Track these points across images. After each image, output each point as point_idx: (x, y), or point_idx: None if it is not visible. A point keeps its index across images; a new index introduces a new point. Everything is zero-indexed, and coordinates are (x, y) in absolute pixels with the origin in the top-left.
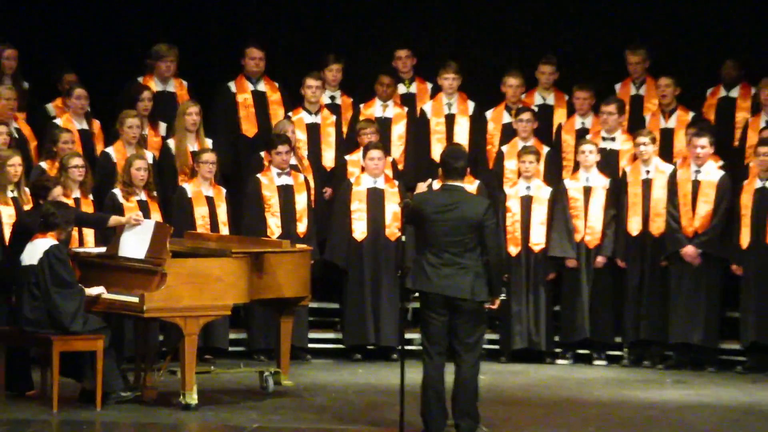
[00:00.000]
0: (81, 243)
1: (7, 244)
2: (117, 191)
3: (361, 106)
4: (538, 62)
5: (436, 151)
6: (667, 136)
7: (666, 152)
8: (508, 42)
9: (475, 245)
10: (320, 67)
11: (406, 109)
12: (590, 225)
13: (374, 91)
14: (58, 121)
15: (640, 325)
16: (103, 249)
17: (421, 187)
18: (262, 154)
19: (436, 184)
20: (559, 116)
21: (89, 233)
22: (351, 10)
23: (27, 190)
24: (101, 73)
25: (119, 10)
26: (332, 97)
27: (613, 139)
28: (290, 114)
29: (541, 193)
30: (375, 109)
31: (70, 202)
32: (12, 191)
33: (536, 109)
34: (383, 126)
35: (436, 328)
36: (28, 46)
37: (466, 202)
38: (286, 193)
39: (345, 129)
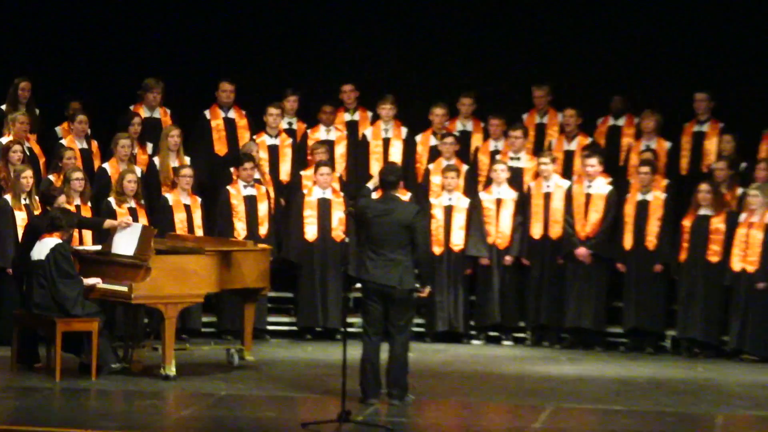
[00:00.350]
0: (81, 242)
1: (20, 241)
2: (111, 199)
3: (309, 130)
4: (459, 96)
5: (375, 168)
6: (569, 157)
7: (568, 170)
8: (435, 79)
9: (406, 243)
10: (280, 98)
11: (345, 132)
12: (500, 230)
13: (319, 117)
14: (64, 142)
15: (540, 312)
16: (98, 247)
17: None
18: (232, 169)
19: (375, 194)
20: (476, 140)
21: (88, 234)
22: (307, 52)
23: (37, 198)
24: (100, 102)
25: (115, 51)
26: (290, 123)
27: (518, 159)
28: (255, 137)
29: (461, 203)
30: (320, 132)
31: (72, 209)
32: (24, 199)
33: (458, 134)
34: (328, 147)
35: (374, 314)
36: (39, 79)
37: (400, 208)
38: (250, 202)
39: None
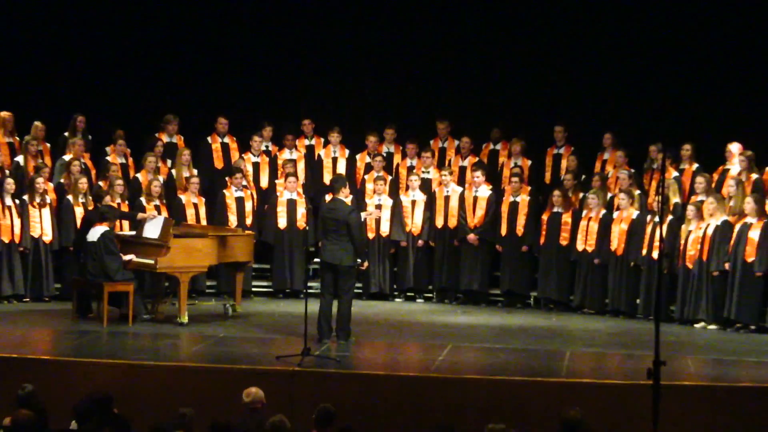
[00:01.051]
0: (121, 229)
1: (78, 228)
2: (142, 199)
3: (278, 152)
4: (385, 128)
5: (327, 178)
6: (462, 171)
7: (462, 180)
8: (367, 115)
9: (345, 233)
10: (260, 129)
11: (303, 152)
12: (414, 222)
13: (284, 143)
14: (109, 158)
15: (442, 278)
16: (133, 233)
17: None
18: (226, 179)
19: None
20: (397, 159)
21: (125, 223)
22: (277, 96)
23: (90, 198)
24: (135, 130)
25: (146, 94)
26: (267, 146)
27: (428, 172)
28: (242, 156)
29: (387, 202)
30: (286, 154)
31: (115, 205)
32: (81, 198)
33: (385, 154)
34: (292, 163)
35: (327, 281)
36: (91, 114)
37: (341, 207)
38: (239, 202)
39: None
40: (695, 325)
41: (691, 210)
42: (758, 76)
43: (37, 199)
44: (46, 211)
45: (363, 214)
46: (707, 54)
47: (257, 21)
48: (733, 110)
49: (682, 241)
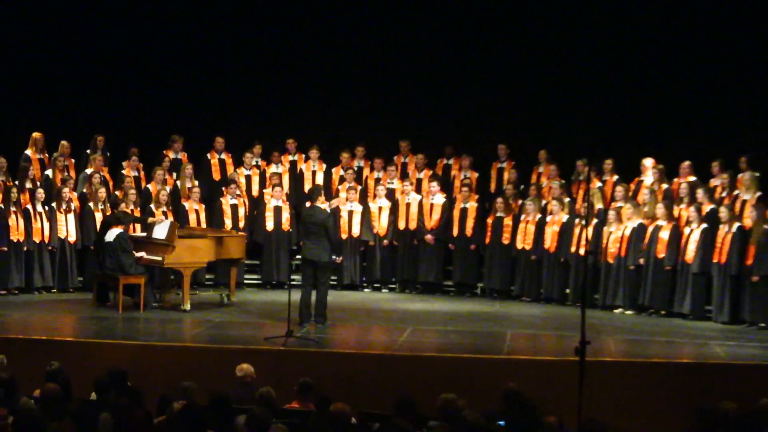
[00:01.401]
0: (134, 230)
1: (98, 230)
2: (152, 206)
3: (266, 166)
4: (355, 146)
5: (307, 188)
6: (419, 182)
7: (418, 189)
8: (342, 135)
9: (323, 235)
10: (251, 147)
11: (288, 166)
12: (381, 225)
13: (271, 159)
14: (124, 172)
15: (404, 271)
16: (144, 234)
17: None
18: (223, 189)
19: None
20: (366, 172)
21: (138, 227)
22: (265, 119)
23: (108, 205)
24: (148, 148)
25: (156, 118)
26: (257, 161)
27: (392, 183)
28: (237, 170)
29: (357, 209)
30: (273, 168)
31: (129, 211)
32: (100, 205)
33: (356, 168)
34: (278, 176)
35: (307, 274)
36: (110, 134)
37: (319, 213)
38: (234, 208)
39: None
40: (615, 311)
41: (611, 214)
42: (668, 102)
43: (64, 206)
44: (71, 216)
45: (333, 202)
46: (626, 82)
47: (250, 58)
48: (647, 130)
49: (605, 241)
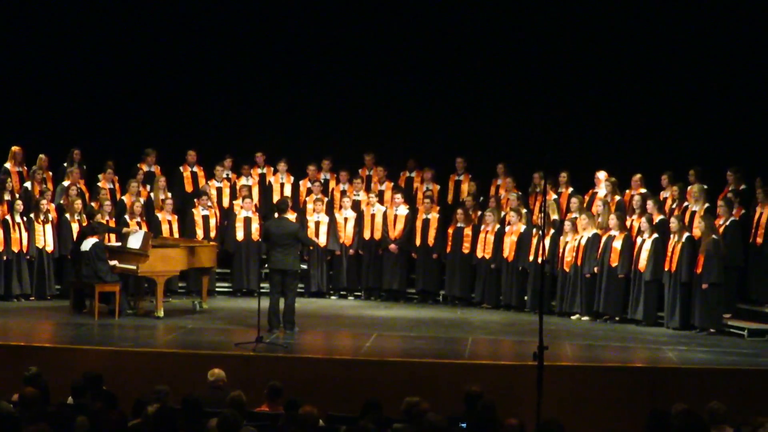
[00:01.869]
0: (109, 240)
1: (75, 240)
2: (126, 217)
3: (236, 179)
4: (322, 159)
5: (276, 199)
6: (383, 194)
7: (382, 200)
8: (308, 149)
9: (293, 244)
10: (222, 160)
11: (257, 179)
12: (347, 234)
13: (241, 171)
14: (100, 184)
15: (369, 279)
16: (119, 243)
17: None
18: (195, 200)
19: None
20: (332, 184)
21: (113, 236)
22: (236, 134)
23: (84, 215)
24: (123, 162)
25: (131, 133)
26: (228, 174)
27: (358, 195)
28: (208, 182)
29: (324, 219)
30: (243, 180)
31: (104, 222)
32: (77, 216)
33: (323, 181)
34: (248, 188)
35: (275, 282)
36: (87, 148)
37: (289, 225)
38: (205, 219)
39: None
40: (571, 317)
41: (567, 225)
42: (620, 117)
43: (41, 217)
44: (49, 227)
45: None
46: (580, 98)
47: (221, 76)
48: (600, 145)
49: (561, 250)
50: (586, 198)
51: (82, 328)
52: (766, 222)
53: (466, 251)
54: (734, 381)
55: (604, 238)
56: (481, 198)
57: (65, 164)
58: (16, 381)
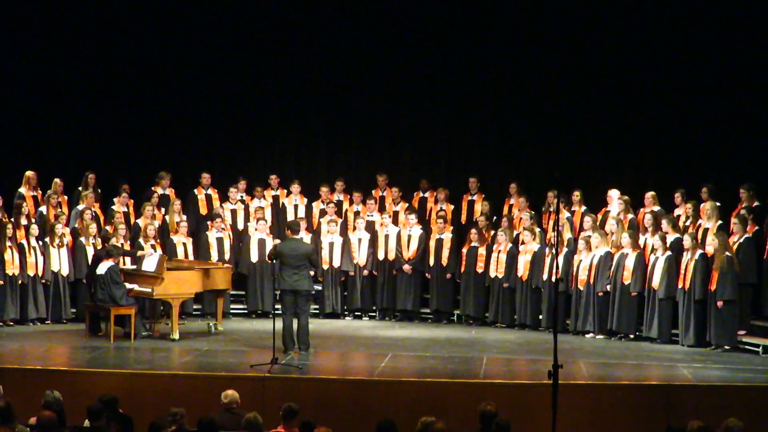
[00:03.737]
0: (124, 263)
1: (90, 264)
2: (141, 240)
3: (250, 201)
4: (335, 180)
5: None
6: (397, 215)
7: (395, 221)
8: (320, 171)
9: (305, 265)
10: (236, 183)
11: (270, 201)
12: (361, 255)
13: (254, 193)
14: (114, 207)
15: (383, 300)
16: (134, 266)
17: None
18: (209, 223)
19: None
20: (345, 205)
21: (128, 259)
22: (249, 157)
23: (99, 239)
24: (137, 185)
25: (146, 156)
26: (242, 196)
27: (371, 216)
28: (222, 204)
29: (338, 240)
30: (256, 202)
31: (119, 245)
32: (92, 240)
33: (336, 201)
34: (262, 210)
35: (288, 303)
36: (102, 171)
37: (303, 246)
38: (220, 241)
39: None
40: (585, 335)
41: (580, 243)
42: (632, 136)
43: (57, 241)
44: (64, 251)
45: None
46: (593, 117)
47: (234, 100)
48: (613, 163)
49: (574, 268)
50: (599, 216)
51: (97, 351)
52: None
53: (479, 270)
54: (749, 398)
55: (616, 256)
56: (494, 217)
57: (80, 188)
58: (32, 405)
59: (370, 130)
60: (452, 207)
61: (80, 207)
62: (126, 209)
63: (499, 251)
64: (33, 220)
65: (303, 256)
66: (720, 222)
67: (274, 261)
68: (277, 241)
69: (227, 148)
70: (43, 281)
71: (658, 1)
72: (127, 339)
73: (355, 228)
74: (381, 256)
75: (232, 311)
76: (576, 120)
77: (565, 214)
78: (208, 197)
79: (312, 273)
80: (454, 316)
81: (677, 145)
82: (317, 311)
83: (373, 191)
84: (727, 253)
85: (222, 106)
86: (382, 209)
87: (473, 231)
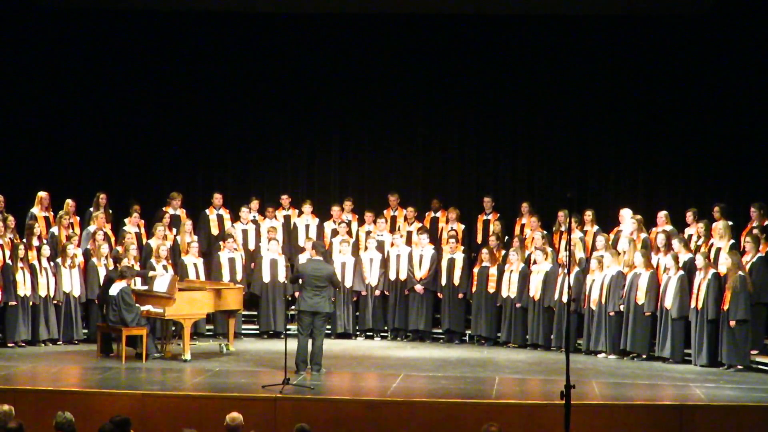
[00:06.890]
0: (136, 284)
1: (102, 285)
2: (153, 260)
3: (261, 221)
4: (344, 200)
5: (301, 241)
6: (409, 234)
7: (409, 241)
8: (331, 192)
9: (325, 286)
10: (248, 203)
11: (282, 221)
12: (372, 275)
13: (266, 213)
14: (126, 228)
15: (395, 320)
16: (146, 287)
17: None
18: (221, 243)
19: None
20: (355, 226)
21: (139, 280)
22: (260, 178)
23: (111, 260)
24: (148, 206)
25: (157, 179)
26: (254, 216)
27: (382, 235)
28: (233, 224)
29: (349, 260)
30: (267, 222)
31: (131, 265)
32: (104, 261)
33: (347, 222)
34: (273, 230)
35: (305, 323)
36: (113, 192)
37: (324, 267)
38: (231, 261)
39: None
40: (598, 355)
41: (592, 263)
42: (644, 156)
43: (68, 262)
44: (76, 271)
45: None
46: (604, 139)
47: (245, 121)
48: (625, 183)
49: (586, 288)
50: (611, 236)
51: (109, 372)
52: None
53: (491, 290)
54: (762, 417)
55: (629, 276)
56: (506, 237)
57: (91, 209)
58: (44, 426)
59: (382, 149)
60: (463, 227)
61: (91, 228)
62: (137, 230)
63: (511, 271)
64: (45, 241)
65: (325, 278)
66: (732, 241)
67: (286, 281)
68: (301, 259)
69: (239, 168)
70: (55, 302)
71: (670, 22)
72: (139, 360)
73: (366, 248)
74: (393, 276)
75: (243, 332)
76: (588, 139)
77: (577, 233)
78: (220, 217)
79: (338, 289)
80: (466, 336)
81: (689, 164)
82: (329, 331)
83: (385, 211)
84: (740, 272)
85: (233, 126)
86: (393, 229)
87: (484, 251)
